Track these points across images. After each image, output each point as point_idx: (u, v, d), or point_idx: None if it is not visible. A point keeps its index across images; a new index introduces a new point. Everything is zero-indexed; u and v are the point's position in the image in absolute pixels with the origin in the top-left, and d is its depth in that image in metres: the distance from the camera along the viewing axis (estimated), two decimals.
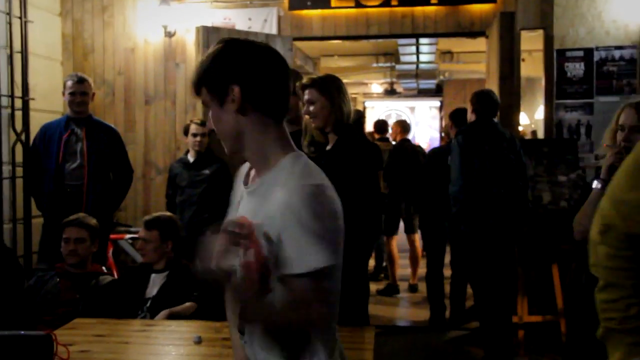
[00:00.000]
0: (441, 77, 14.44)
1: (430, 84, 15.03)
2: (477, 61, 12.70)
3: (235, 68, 2.04)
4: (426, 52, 12.10)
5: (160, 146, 7.57)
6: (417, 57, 12.54)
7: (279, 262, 1.95)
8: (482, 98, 5.84)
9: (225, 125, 2.09)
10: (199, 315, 4.26)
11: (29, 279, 4.94)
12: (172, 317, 4.20)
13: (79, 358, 3.26)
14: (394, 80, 15.94)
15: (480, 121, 5.77)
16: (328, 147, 4.24)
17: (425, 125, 18.09)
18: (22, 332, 3.34)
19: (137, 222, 7.15)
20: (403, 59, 12.50)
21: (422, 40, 10.89)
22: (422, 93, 18.17)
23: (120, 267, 6.78)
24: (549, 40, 7.18)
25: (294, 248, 1.91)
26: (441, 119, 15.42)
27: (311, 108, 4.24)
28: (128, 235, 6.89)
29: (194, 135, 6.13)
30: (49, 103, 7.16)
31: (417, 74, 13.88)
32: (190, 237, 5.63)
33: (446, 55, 12.38)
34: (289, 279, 1.93)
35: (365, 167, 4.25)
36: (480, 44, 10.30)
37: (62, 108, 7.37)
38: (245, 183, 2.20)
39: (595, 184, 3.62)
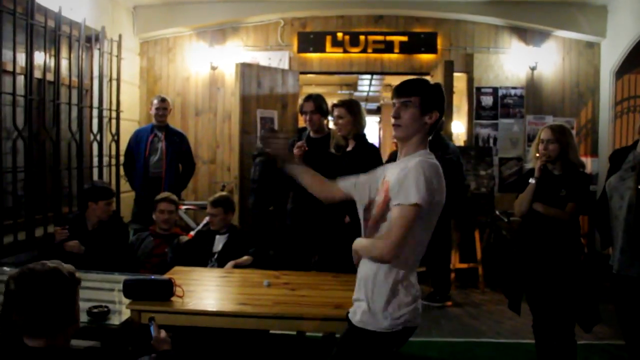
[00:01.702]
0: (382, 101, 14.38)
1: (374, 105, 14.99)
2: None
3: (441, 103, 2.31)
4: (375, 84, 12.04)
5: (205, 145, 7.39)
6: (369, 88, 12.49)
7: (393, 197, 2.17)
8: None
9: (414, 125, 2.27)
10: (254, 265, 4.15)
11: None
12: (236, 266, 4.09)
13: (189, 295, 3.15)
14: None
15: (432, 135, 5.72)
16: (349, 149, 4.13)
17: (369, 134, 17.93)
18: (152, 276, 3.23)
19: (188, 197, 7.01)
20: (359, 88, 12.46)
21: (375, 77, 10.84)
22: (368, 112, 17.70)
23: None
24: (470, 81, 7.29)
25: (406, 188, 2.11)
26: (380, 129, 15.41)
27: (340, 121, 4.13)
28: (184, 207, 6.68)
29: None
30: (131, 114, 6.95)
31: (367, 99, 13.84)
32: None
33: (388, 86, 12.32)
34: (393, 206, 2.15)
35: (374, 163, 4.16)
36: None
37: (139, 117, 7.21)
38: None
39: (531, 180, 3.62)
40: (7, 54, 4.53)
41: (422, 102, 2.26)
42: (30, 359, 1.84)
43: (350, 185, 2.51)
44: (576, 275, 3.44)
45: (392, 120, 2.31)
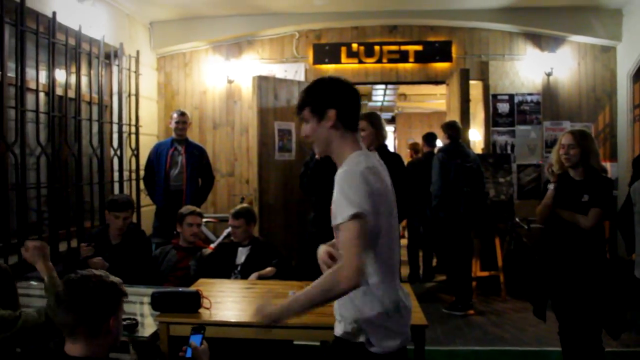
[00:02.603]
0: (396, 111, 14.41)
1: (388, 115, 14.99)
2: (421, 101, 12.73)
3: (333, 97, 2.10)
4: (389, 94, 12.06)
5: (224, 158, 7.44)
6: (383, 98, 12.51)
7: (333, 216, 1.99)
8: (453, 127, 5.82)
9: (320, 135, 2.12)
10: (277, 276, 4.14)
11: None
12: (260, 278, 4.10)
13: (216, 307, 3.17)
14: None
15: (453, 143, 5.74)
16: None
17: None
18: (180, 289, 3.25)
19: (207, 210, 7.04)
20: (374, 98, 12.49)
21: (389, 87, 10.87)
22: None
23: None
24: (486, 88, 7.29)
25: (336, 205, 1.95)
26: (394, 139, 15.40)
27: (362, 133, 4.15)
28: (203, 220, 6.70)
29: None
30: (150, 129, 7.03)
31: (381, 109, 13.85)
32: None
33: (401, 96, 12.35)
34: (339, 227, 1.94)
35: (398, 171, 4.16)
36: (424, 89, 10.34)
37: (158, 132, 7.29)
38: None
39: (550, 186, 3.63)
40: (29, 72, 4.61)
41: (313, 110, 2.11)
42: None
43: None
44: (602, 281, 3.42)
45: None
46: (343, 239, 1.91)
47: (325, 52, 7.30)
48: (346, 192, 1.93)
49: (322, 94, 2.13)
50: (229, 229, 4.66)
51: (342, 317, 2.11)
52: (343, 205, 1.92)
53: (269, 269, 4.21)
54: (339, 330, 2.13)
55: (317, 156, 4.33)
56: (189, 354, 2.12)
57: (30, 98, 4.61)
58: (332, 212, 1.99)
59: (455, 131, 5.77)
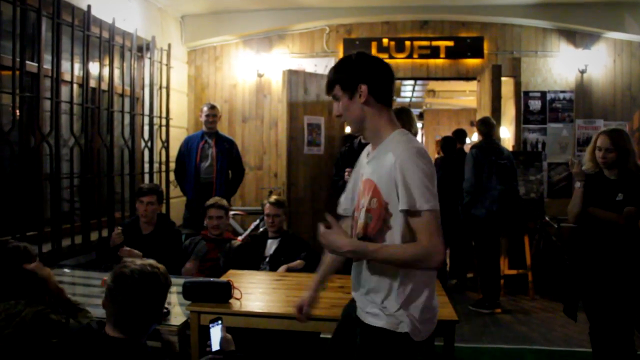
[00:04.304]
0: (424, 107, 14.34)
1: (416, 111, 14.89)
2: (450, 97, 12.67)
3: (363, 72, 2.05)
4: (418, 90, 12.01)
5: (252, 151, 7.49)
6: (412, 94, 12.46)
7: (401, 201, 1.92)
8: (486, 123, 5.78)
9: (353, 113, 2.08)
10: (306, 269, 4.17)
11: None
12: (289, 270, 4.15)
13: (246, 298, 3.21)
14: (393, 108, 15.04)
15: (487, 139, 5.70)
16: None
17: None
18: (212, 279, 3.31)
19: (236, 203, 7.10)
20: (402, 94, 12.45)
21: (418, 82, 10.84)
22: None
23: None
24: (518, 85, 7.22)
25: (413, 190, 1.90)
26: (422, 135, 15.31)
27: None
28: (232, 212, 6.78)
29: None
30: (179, 121, 7.11)
31: (410, 105, 13.78)
32: None
33: (430, 92, 12.30)
34: (415, 213, 1.90)
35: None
36: (453, 85, 10.29)
37: (187, 125, 7.37)
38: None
39: (577, 185, 3.61)
40: (64, 65, 4.69)
41: (343, 86, 2.07)
42: (109, 348, 1.95)
43: (348, 202, 2.33)
44: (637, 282, 3.38)
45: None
46: (428, 223, 1.89)
47: (356, 47, 7.27)
48: (424, 181, 1.91)
49: (351, 69, 2.08)
50: (257, 222, 4.71)
51: (382, 308, 2.04)
52: (421, 192, 1.90)
53: (297, 261, 4.26)
54: (378, 321, 2.05)
55: (356, 136, 4.35)
56: (214, 346, 2.15)
57: (64, 90, 4.70)
58: (381, 187, 2.00)
59: (489, 127, 5.73)
